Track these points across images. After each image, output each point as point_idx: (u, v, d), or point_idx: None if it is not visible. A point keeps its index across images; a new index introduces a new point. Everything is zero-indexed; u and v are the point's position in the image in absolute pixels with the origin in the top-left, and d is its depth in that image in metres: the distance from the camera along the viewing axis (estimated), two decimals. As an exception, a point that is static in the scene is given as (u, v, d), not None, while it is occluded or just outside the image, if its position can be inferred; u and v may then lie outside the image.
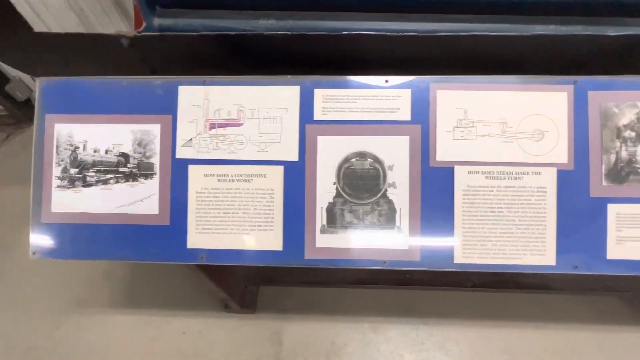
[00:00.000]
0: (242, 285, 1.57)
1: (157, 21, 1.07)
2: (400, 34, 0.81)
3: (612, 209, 0.80)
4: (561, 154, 0.81)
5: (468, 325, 1.53)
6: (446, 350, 1.49)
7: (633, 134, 0.80)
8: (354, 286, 1.63)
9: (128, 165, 0.86)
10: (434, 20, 0.98)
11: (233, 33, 0.91)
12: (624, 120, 0.80)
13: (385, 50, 0.92)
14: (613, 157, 0.80)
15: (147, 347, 1.57)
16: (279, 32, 0.93)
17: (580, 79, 0.81)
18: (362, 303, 1.59)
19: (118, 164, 0.85)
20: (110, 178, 0.85)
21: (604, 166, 0.80)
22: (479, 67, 0.96)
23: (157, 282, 1.70)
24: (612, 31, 1.02)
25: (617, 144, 0.80)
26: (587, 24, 1.04)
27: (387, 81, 0.83)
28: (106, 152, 0.86)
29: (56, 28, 1.81)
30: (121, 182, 0.85)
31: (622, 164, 0.80)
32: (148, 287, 1.73)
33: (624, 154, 0.80)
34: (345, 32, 0.88)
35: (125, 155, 0.86)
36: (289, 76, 0.84)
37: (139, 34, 0.95)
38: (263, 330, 1.55)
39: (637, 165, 0.80)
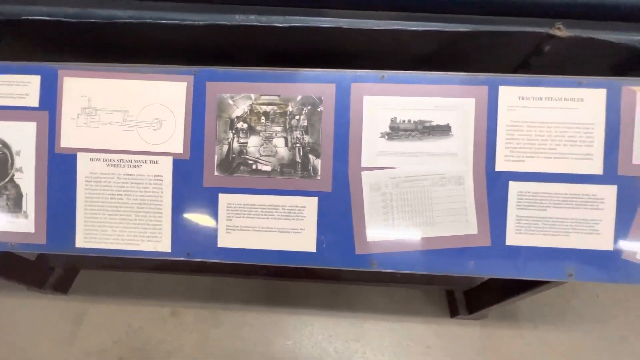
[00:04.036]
0: (48, 268, 1.60)
1: None
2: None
3: (223, 199, 0.82)
4: (177, 144, 0.82)
5: (264, 311, 1.57)
6: (238, 334, 1.54)
7: (245, 125, 0.81)
8: (162, 272, 1.66)
9: None
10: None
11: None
12: (237, 112, 0.82)
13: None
14: (226, 148, 0.82)
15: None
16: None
17: (200, 69, 0.82)
18: (168, 288, 1.61)
19: None
20: None
21: (216, 157, 0.82)
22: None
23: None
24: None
25: (230, 135, 0.82)
26: (287, 14, 1.06)
27: (17, 67, 0.84)
28: None
29: None
30: None
31: (233, 155, 0.82)
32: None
33: (236, 145, 0.82)
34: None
35: None
36: None
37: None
38: (68, 311, 1.59)
39: (248, 157, 0.81)
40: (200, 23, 0.93)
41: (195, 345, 1.55)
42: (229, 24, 0.94)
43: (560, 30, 0.90)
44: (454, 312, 1.55)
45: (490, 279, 1.41)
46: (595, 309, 1.60)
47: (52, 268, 1.63)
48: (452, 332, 1.54)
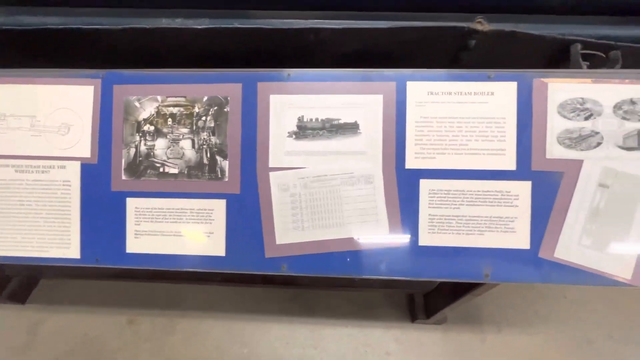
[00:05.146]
0: (4, 278, 1.59)
1: None
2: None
3: (131, 203, 0.80)
4: (85, 148, 0.80)
5: (221, 318, 1.54)
6: (193, 342, 1.51)
7: (152, 128, 0.80)
8: (122, 279, 1.63)
9: None
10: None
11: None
12: (144, 114, 0.80)
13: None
14: (133, 152, 0.80)
15: None
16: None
17: (107, 72, 0.81)
18: (127, 296, 1.59)
19: None
20: None
21: (124, 160, 0.80)
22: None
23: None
24: (238, 23, 1.04)
25: (137, 138, 0.80)
26: (212, 17, 1.05)
27: None
28: None
29: None
30: None
31: (141, 158, 0.80)
32: None
33: (143, 148, 0.80)
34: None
35: None
36: None
37: None
38: (24, 321, 1.57)
39: (155, 160, 0.80)
40: (119, 27, 0.93)
41: (150, 354, 1.52)
42: (148, 27, 0.94)
43: (482, 25, 0.88)
44: (414, 317, 1.52)
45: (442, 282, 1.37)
46: (560, 310, 1.55)
47: (8, 278, 1.64)
48: (413, 337, 1.50)
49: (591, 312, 1.52)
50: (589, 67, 0.90)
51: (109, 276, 1.64)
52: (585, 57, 0.91)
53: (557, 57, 0.98)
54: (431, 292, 1.44)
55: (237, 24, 1.02)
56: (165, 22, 1.04)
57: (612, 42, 0.88)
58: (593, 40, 0.88)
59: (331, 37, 0.94)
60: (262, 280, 1.54)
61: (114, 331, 1.56)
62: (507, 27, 0.95)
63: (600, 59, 0.91)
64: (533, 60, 1.02)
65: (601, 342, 1.46)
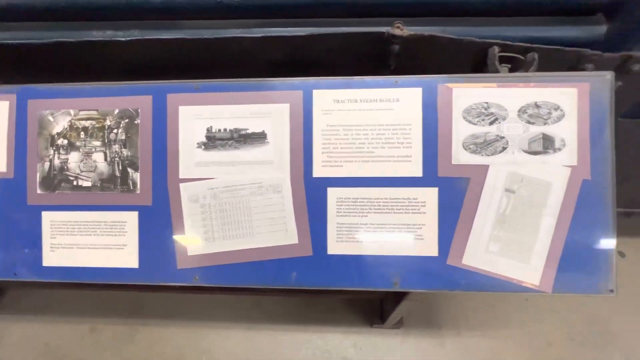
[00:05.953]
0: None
1: None
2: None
3: (47, 217, 0.81)
4: (1, 163, 0.81)
5: (183, 326, 1.55)
6: (153, 350, 1.50)
7: (65, 141, 0.80)
8: (87, 288, 1.64)
9: None
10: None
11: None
12: (58, 128, 0.81)
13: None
14: (47, 165, 0.81)
15: None
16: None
17: (22, 87, 0.81)
18: (92, 304, 1.59)
19: None
20: None
21: (39, 174, 0.81)
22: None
23: None
24: (167, 34, 1.04)
25: (51, 152, 0.81)
26: (143, 28, 1.05)
27: None
28: None
29: None
30: None
31: (55, 172, 0.80)
32: None
33: (57, 162, 0.80)
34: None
35: None
36: None
37: None
38: (-13, 331, 1.61)
39: (69, 173, 0.80)
40: (46, 41, 0.94)
41: (110, 363, 1.54)
42: (74, 40, 0.95)
43: (401, 29, 0.88)
44: (372, 321, 1.51)
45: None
46: (521, 313, 1.53)
47: (-25, 288, 1.66)
48: (372, 342, 1.49)
49: (551, 314, 1.50)
50: (511, 69, 0.90)
51: (72, 285, 1.65)
52: (507, 59, 0.91)
53: (482, 61, 0.98)
54: (385, 297, 1.43)
55: (166, 35, 1.04)
56: (96, 35, 1.06)
57: (529, 44, 0.87)
58: (510, 42, 0.88)
59: (253, 46, 0.95)
60: (222, 287, 1.54)
61: (76, 340, 1.56)
62: (435, 30, 0.95)
63: (520, 61, 0.91)
64: (461, 65, 1.01)
65: (560, 344, 1.44)
